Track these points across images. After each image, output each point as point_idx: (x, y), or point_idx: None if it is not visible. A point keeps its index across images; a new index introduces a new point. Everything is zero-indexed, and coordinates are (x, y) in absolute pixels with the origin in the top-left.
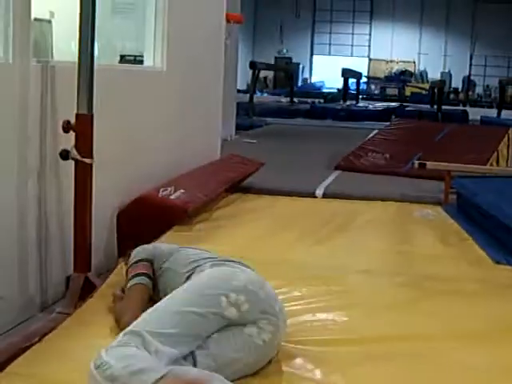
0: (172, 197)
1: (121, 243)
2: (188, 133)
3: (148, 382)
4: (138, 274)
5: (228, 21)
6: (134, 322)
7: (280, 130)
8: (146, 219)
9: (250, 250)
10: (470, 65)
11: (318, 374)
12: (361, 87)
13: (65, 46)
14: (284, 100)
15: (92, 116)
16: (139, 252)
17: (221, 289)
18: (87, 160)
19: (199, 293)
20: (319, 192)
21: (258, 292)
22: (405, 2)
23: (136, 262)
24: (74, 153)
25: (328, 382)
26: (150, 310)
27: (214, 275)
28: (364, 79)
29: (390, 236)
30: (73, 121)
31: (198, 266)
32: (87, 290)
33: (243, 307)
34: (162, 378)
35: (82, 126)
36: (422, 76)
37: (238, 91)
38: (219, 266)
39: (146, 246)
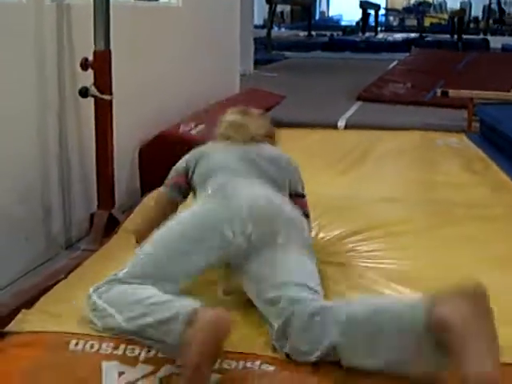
0: (193, 132)
1: (143, 179)
2: (206, 68)
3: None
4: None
5: None
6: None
7: (299, 63)
8: (167, 155)
9: None
10: None
11: None
12: (379, 19)
13: None
14: (302, 34)
15: (110, 52)
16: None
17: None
18: (106, 96)
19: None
20: (341, 123)
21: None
22: None
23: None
24: (93, 90)
25: None
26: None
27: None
28: (382, 11)
29: (413, 164)
30: (91, 58)
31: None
32: (111, 226)
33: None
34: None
35: (100, 63)
36: (441, 6)
37: (255, 26)
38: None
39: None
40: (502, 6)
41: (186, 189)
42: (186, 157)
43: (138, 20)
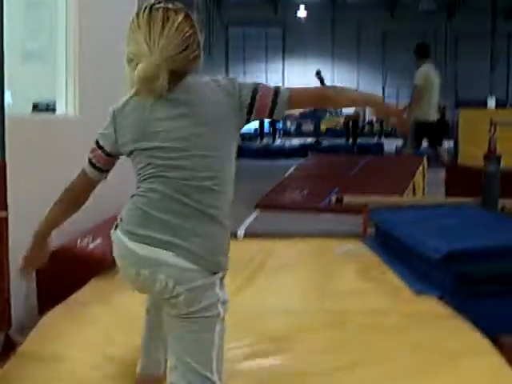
0: (91, 246)
1: (41, 297)
2: (107, 179)
3: None
4: None
5: None
6: None
7: None
8: (64, 271)
9: None
10: (383, 96)
11: None
12: (276, 125)
13: None
14: None
15: (5, 164)
16: None
17: None
18: (1, 213)
19: None
20: (240, 232)
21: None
22: (316, 38)
23: None
24: None
25: None
26: None
27: None
28: None
29: (311, 273)
30: None
31: None
32: (7, 349)
33: None
34: None
35: None
36: (337, 111)
37: None
38: None
39: None
40: None
41: None
42: None
43: (33, 133)
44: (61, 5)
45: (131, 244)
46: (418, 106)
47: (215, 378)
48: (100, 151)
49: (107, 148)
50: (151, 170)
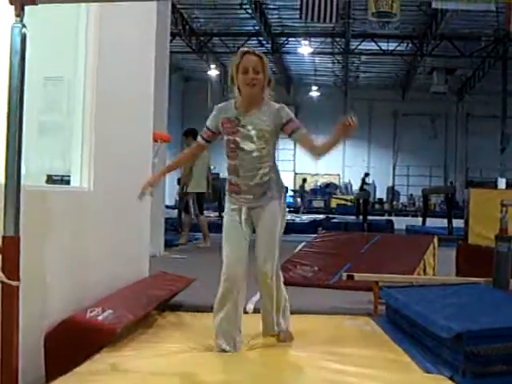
0: (100, 317)
1: (48, 368)
2: (116, 251)
3: None
4: None
5: (155, 140)
6: None
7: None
8: (74, 341)
9: (180, 366)
10: (394, 175)
11: None
12: (288, 201)
13: None
14: (212, 215)
15: (19, 238)
16: None
17: None
18: (14, 283)
19: None
20: (250, 307)
21: None
22: (328, 117)
23: None
24: (1, 275)
25: None
26: None
27: None
28: (290, 193)
29: (319, 350)
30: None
31: None
32: None
33: None
34: None
35: (9, 249)
36: (347, 188)
37: (167, 207)
38: None
39: None
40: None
41: None
42: None
43: (49, 204)
44: (78, 81)
45: None
46: None
47: None
48: None
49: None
50: None
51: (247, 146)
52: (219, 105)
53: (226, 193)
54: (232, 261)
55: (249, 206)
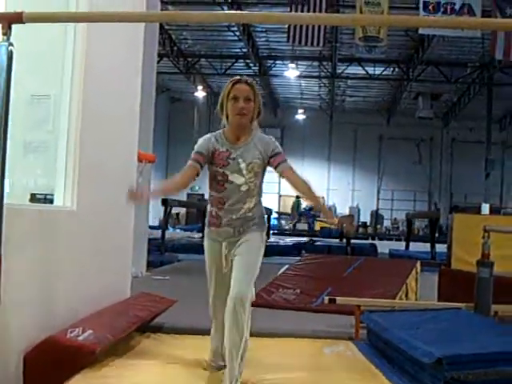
0: (80, 338)
1: None
2: (97, 271)
3: None
4: None
5: (140, 160)
6: None
7: (192, 266)
8: (54, 361)
9: None
10: (378, 199)
11: None
12: (272, 223)
13: None
14: (196, 236)
15: (0, 258)
16: None
17: None
18: None
19: None
20: None
21: None
22: (313, 140)
23: None
24: None
25: None
26: None
27: None
28: (274, 215)
29: (300, 375)
30: None
31: None
32: None
33: None
34: None
35: None
36: (331, 210)
37: (150, 227)
38: None
39: None
40: None
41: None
42: None
43: (29, 223)
44: (64, 100)
45: None
46: None
47: None
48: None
49: None
50: None
51: (237, 179)
52: (206, 135)
53: (206, 226)
54: (218, 305)
55: (229, 241)
